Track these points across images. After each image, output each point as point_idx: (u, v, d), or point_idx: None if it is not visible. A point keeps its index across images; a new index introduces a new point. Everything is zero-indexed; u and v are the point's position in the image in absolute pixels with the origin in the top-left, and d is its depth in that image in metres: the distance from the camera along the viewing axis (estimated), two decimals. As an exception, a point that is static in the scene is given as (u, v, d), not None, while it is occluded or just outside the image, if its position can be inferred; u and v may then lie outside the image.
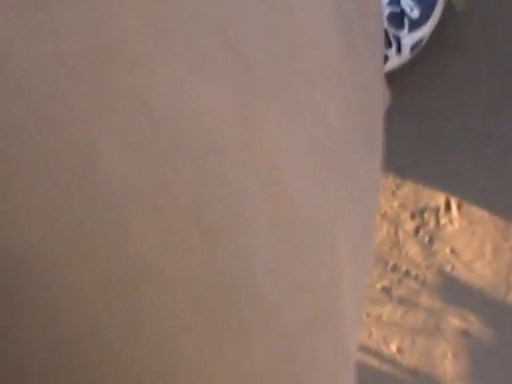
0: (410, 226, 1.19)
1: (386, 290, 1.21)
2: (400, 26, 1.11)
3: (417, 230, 1.19)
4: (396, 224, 1.19)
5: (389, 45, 1.12)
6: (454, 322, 1.20)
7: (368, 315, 1.22)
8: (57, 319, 0.17)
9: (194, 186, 0.20)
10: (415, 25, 1.12)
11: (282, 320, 0.24)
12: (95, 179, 0.17)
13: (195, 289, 0.20)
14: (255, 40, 0.24)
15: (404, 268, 1.20)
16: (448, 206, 1.18)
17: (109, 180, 0.18)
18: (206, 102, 0.20)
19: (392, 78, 1.16)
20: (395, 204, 1.19)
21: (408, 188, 1.18)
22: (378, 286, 1.21)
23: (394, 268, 1.21)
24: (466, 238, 1.18)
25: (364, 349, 1.21)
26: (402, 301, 1.21)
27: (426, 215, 1.18)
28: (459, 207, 1.17)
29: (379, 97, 0.47)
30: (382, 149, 0.46)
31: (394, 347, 1.21)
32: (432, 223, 1.19)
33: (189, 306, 0.20)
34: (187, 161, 0.20)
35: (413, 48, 1.13)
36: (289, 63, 0.26)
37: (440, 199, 1.18)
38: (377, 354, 1.21)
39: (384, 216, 1.20)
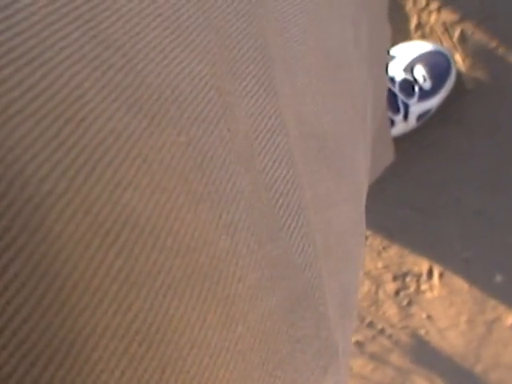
0: (391, 287, 1.13)
1: (360, 345, 1.15)
2: (410, 94, 1.04)
3: (397, 292, 1.13)
4: (378, 283, 1.13)
5: (397, 110, 1.05)
6: (420, 383, 1.15)
7: (338, 366, 1.17)
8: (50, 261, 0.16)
9: (178, 149, 0.20)
10: (425, 95, 1.04)
11: (265, 299, 0.23)
12: (84, 124, 0.17)
13: (184, 254, 0.19)
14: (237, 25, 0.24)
15: (380, 326, 1.14)
16: (430, 274, 1.11)
17: (97, 127, 0.17)
18: (186, 69, 0.21)
19: (394, 142, 1.09)
20: (379, 264, 1.12)
21: (394, 251, 1.11)
22: (353, 340, 1.16)
23: (370, 325, 1.14)
24: (443, 306, 1.12)
25: (330, 398, 1.16)
26: (373, 356, 1.15)
27: (407, 279, 1.12)
28: (441, 276, 1.11)
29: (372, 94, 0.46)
30: (370, 153, 0.46)
31: (359, 400, 1.16)
32: (412, 288, 1.12)
33: (178, 269, 0.19)
34: (168, 115, 0.20)
35: (419, 118, 1.05)
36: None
37: (423, 266, 1.11)
38: (342, 404, 1.16)
39: (367, 274, 1.13)
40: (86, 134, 0.17)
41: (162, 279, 0.19)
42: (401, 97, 1.03)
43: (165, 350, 0.19)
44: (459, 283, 1.09)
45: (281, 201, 0.25)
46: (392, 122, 1.04)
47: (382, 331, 1.12)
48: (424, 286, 1.10)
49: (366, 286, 1.11)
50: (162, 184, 0.19)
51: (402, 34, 1.10)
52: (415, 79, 1.03)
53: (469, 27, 1.05)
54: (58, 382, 0.16)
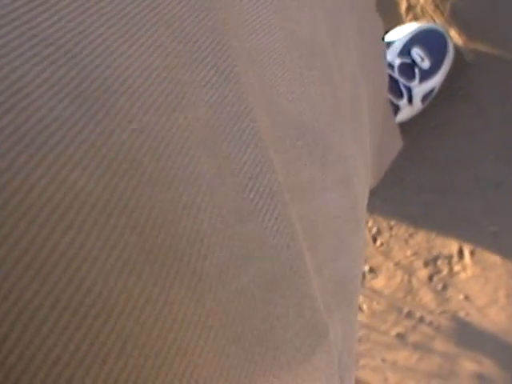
0: (423, 273, 1.10)
1: (401, 336, 1.13)
2: (411, 76, 1.02)
3: (430, 278, 1.10)
4: (410, 272, 1.11)
5: (400, 95, 1.03)
6: (469, 365, 1.12)
7: (384, 360, 1.14)
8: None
9: (130, 136, 0.20)
10: (426, 75, 1.02)
11: (236, 277, 0.24)
12: (25, 113, 0.18)
13: (141, 231, 0.20)
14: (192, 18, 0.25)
15: (418, 314, 1.12)
16: (461, 254, 1.09)
17: (39, 116, 0.18)
18: (135, 63, 0.21)
19: (404, 128, 1.08)
20: (408, 252, 1.10)
21: (421, 237, 1.09)
22: (393, 333, 1.13)
23: (409, 315, 1.12)
24: (479, 284, 1.09)
25: (380, 394, 1.14)
26: (417, 346, 1.13)
27: (439, 263, 1.10)
28: (472, 254, 1.09)
29: (367, 89, 0.47)
30: (368, 142, 0.46)
31: (409, 392, 1.13)
32: (445, 270, 1.10)
33: (135, 246, 0.20)
34: (118, 104, 0.20)
35: (424, 98, 1.03)
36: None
37: (453, 247, 1.09)
38: (393, 399, 1.14)
39: (398, 264, 1.11)
40: (28, 121, 0.18)
41: (117, 255, 0.19)
42: (402, 81, 1.01)
43: (124, 324, 0.19)
44: (491, 258, 1.06)
45: (250, 184, 0.26)
46: (397, 108, 1.02)
47: (421, 319, 1.09)
48: (456, 267, 1.07)
49: (398, 277, 1.09)
50: (112, 166, 0.20)
51: (393, 20, 1.09)
52: (413, 61, 1.01)
53: (459, 0, 1.03)
54: (3, 356, 0.17)
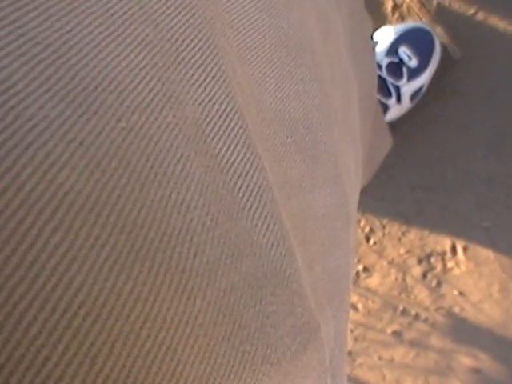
0: (417, 271, 1.11)
1: (397, 334, 1.13)
2: (399, 75, 1.02)
3: (424, 275, 1.11)
4: (403, 270, 1.11)
5: (389, 94, 1.03)
6: (465, 361, 1.12)
7: (380, 358, 1.14)
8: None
9: (119, 134, 0.20)
10: (414, 73, 1.03)
11: (226, 275, 0.23)
12: (14, 112, 0.18)
13: (131, 230, 0.20)
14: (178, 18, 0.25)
15: (413, 312, 1.12)
16: (454, 250, 1.09)
17: (28, 115, 0.18)
18: (123, 62, 0.21)
19: (393, 126, 1.08)
20: (402, 250, 1.10)
21: (414, 234, 1.09)
22: (389, 331, 1.13)
23: (404, 312, 1.12)
24: (473, 279, 1.10)
25: (378, 392, 1.14)
26: (413, 343, 1.13)
27: (432, 260, 1.10)
28: (465, 250, 1.09)
29: (357, 85, 0.46)
30: (359, 140, 0.46)
31: (407, 389, 1.13)
32: (439, 267, 1.10)
33: (125, 245, 0.19)
34: (106, 103, 0.20)
35: (413, 97, 1.04)
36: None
37: (446, 243, 1.09)
38: (391, 397, 1.14)
39: (391, 262, 1.11)
40: (16, 121, 0.18)
41: (107, 254, 0.19)
42: (390, 80, 1.01)
43: (114, 324, 0.19)
44: (484, 253, 1.07)
45: (239, 183, 0.26)
46: (386, 107, 1.02)
47: (416, 317, 1.10)
48: (450, 264, 1.08)
49: (392, 275, 1.09)
50: (101, 165, 0.20)
51: (380, 19, 1.09)
52: (401, 60, 1.02)
53: (444, -2, 1.03)
54: None
